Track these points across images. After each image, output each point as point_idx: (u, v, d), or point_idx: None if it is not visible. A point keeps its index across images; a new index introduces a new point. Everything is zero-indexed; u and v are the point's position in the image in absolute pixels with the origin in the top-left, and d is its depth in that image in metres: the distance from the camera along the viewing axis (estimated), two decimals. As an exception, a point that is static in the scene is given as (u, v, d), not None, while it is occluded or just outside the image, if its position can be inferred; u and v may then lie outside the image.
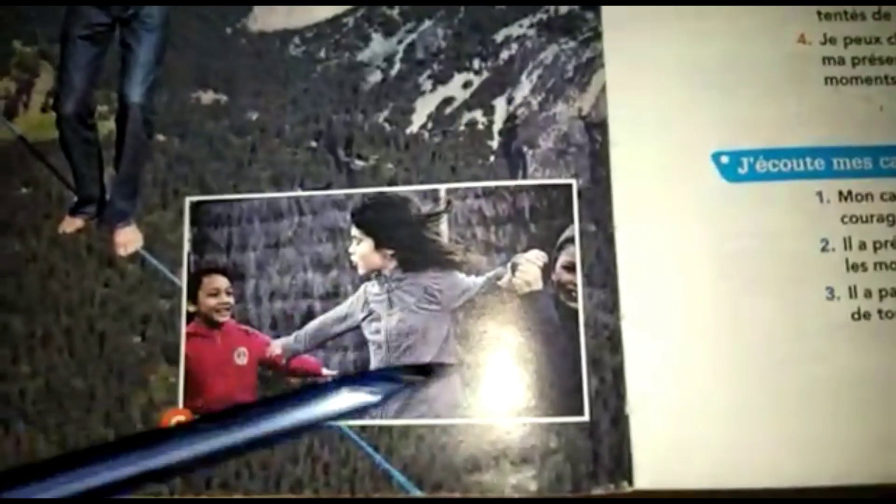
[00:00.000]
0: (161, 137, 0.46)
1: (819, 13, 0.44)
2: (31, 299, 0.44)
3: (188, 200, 0.45)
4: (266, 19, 0.47)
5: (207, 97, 0.46)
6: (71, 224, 0.45)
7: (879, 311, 0.41)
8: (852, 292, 0.41)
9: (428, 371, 0.40)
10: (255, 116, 0.46)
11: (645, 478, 0.40)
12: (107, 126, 0.46)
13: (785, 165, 0.42)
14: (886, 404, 0.40)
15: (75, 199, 0.46)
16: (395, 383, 0.39)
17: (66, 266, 0.45)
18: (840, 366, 0.40)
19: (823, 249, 0.41)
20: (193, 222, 0.45)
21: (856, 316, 0.41)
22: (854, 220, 0.42)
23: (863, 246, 0.42)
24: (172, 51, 0.46)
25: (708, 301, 0.41)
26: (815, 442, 0.40)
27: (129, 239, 0.45)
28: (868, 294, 0.41)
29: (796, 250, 0.41)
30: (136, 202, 0.45)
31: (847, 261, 0.41)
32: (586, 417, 0.40)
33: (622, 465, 0.40)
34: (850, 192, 0.42)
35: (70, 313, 0.44)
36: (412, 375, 0.40)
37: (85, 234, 0.45)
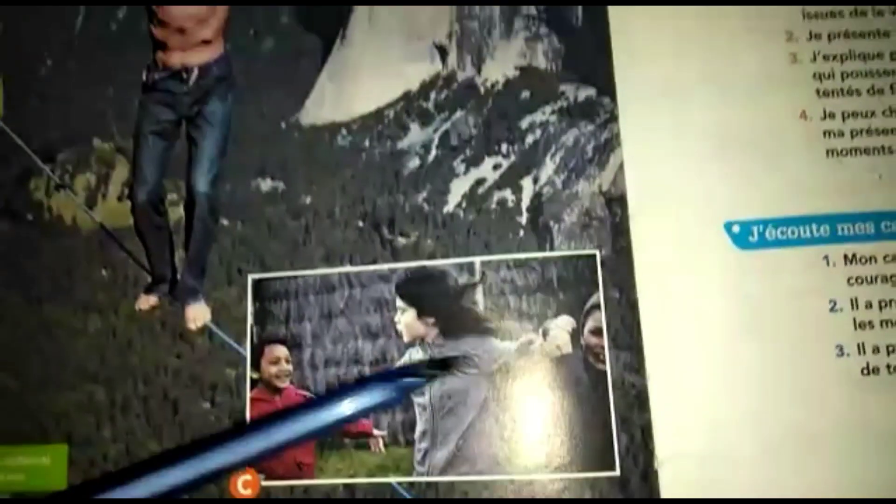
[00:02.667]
0: (225, 222, 0.51)
1: (818, 90, 0.48)
2: (111, 370, 0.50)
3: (250, 278, 0.50)
4: (316, 114, 0.52)
5: (266, 185, 0.51)
6: (146, 302, 0.51)
7: (888, 366, 0.44)
8: (861, 349, 0.44)
9: (446, 365, 0.45)
10: (308, 201, 0.51)
11: (674, 527, 0.43)
12: (177, 212, 0.52)
13: (792, 233, 0.46)
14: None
15: (150, 279, 0.51)
16: (416, 378, 0.44)
17: (142, 340, 0.50)
18: (852, 418, 0.43)
19: (832, 310, 0.45)
20: (255, 297, 0.49)
21: (865, 371, 0.44)
22: (860, 281, 0.45)
23: (869, 305, 0.45)
24: (233, 144, 0.52)
25: (727, 360, 0.45)
26: (836, 490, 0.43)
27: (198, 314, 0.50)
28: (876, 350, 0.44)
29: (807, 311, 0.45)
30: (204, 280, 0.50)
31: (855, 320, 0.45)
32: (617, 472, 0.44)
33: (652, 515, 0.43)
34: (854, 256, 0.46)
35: (147, 382, 0.49)
36: (432, 370, 0.44)
37: (159, 311, 0.50)
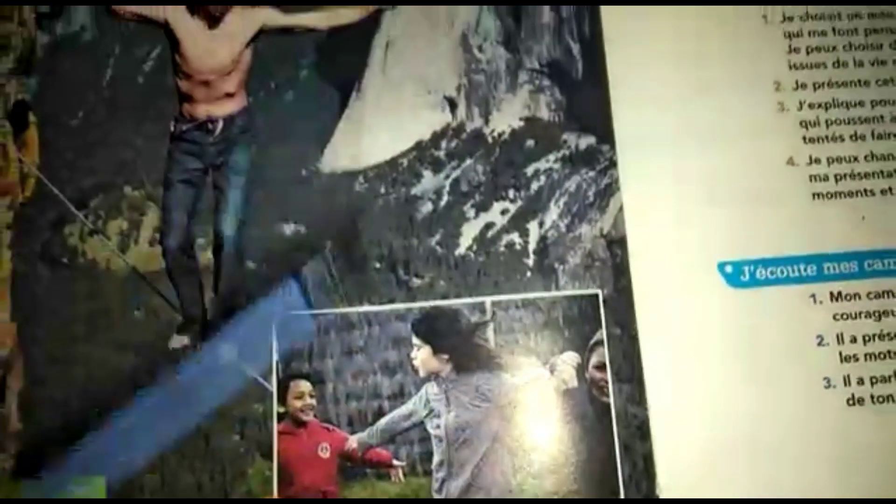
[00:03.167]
0: (251, 264, 0.55)
1: (804, 137, 0.52)
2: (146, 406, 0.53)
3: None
4: (335, 162, 0.56)
5: (289, 229, 0.55)
6: (178, 341, 0.54)
7: (872, 397, 0.47)
8: (847, 381, 0.47)
9: None
10: (329, 244, 0.54)
11: (675, 549, 0.46)
12: (205, 256, 0.55)
13: (781, 272, 0.49)
14: (883, 478, 0.46)
15: (181, 319, 0.54)
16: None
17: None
18: (840, 445, 0.47)
19: (819, 344, 0.48)
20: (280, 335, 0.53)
21: (850, 402, 0.47)
22: (845, 317, 0.48)
23: (854, 340, 0.48)
24: (258, 190, 0.55)
25: (722, 392, 0.48)
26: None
27: (227, 352, 0.53)
28: (861, 382, 0.47)
29: (795, 346, 0.48)
30: (232, 321, 0.54)
31: (840, 353, 0.48)
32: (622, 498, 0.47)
33: (654, 538, 0.46)
34: (839, 293, 0.49)
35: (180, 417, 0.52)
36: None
37: (190, 350, 0.54)
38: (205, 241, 0.55)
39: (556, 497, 0.47)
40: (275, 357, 0.53)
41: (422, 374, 0.51)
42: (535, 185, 0.53)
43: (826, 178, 0.51)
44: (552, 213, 0.53)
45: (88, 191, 0.58)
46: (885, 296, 0.48)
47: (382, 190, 0.55)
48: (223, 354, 0.53)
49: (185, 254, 0.55)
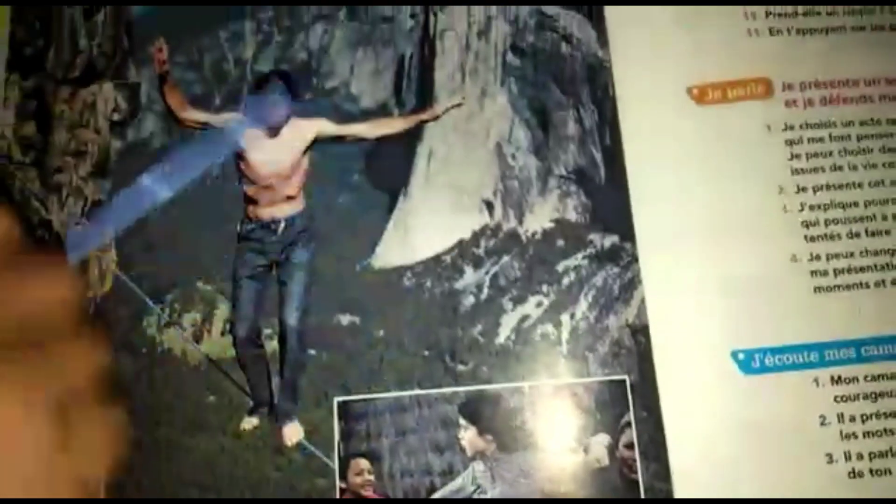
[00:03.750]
0: (312, 352, 0.61)
1: (805, 236, 0.58)
2: (221, 482, 0.59)
3: (336, 400, 0.59)
4: (385, 258, 0.62)
5: (345, 319, 0.61)
6: (249, 423, 0.60)
7: (871, 471, 0.53)
8: (847, 456, 0.53)
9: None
10: (381, 333, 0.60)
11: None
12: (271, 345, 0.61)
13: (788, 359, 0.55)
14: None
15: (251, 403, 0.61)
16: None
17: (246, 455, 0.60)
18: (844, 516, 0.52)
19: (822, 424, 0.54)
20: (340, 417, 0.59)
21: (851, 475, 0.53)
22: (844, 398, 0.54)
23: (853, 419, 0.54)
24: (317, 284, 0.62)
25: (736, 465, 0.54)
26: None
27: (293, 433, 0.59)
28: (860, 457, 0.53)
29: (801, 425, 0.54)
30: (297, 403, 0.60)
31: (841, 431, 0.54)
32: (650, 565, 0.53)
33: None
34: (839, 377, 0.55)
35: (252, 491, 0.58)
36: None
37: (259, 430, 0.60)
38: (271, 331, 0.62)
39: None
40: (336, 437, 0.59)
41: (469, 452, 0.57)
42: (565, 281, 0.60)
43: (826, 273, 0.57)
44: (582, 306, 0.59)
45: (164, 287, 0.65)
46: (881, 379, 0.54)
47: (429, 284, 0.61)
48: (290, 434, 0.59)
49: (254, 343, 0.62)
